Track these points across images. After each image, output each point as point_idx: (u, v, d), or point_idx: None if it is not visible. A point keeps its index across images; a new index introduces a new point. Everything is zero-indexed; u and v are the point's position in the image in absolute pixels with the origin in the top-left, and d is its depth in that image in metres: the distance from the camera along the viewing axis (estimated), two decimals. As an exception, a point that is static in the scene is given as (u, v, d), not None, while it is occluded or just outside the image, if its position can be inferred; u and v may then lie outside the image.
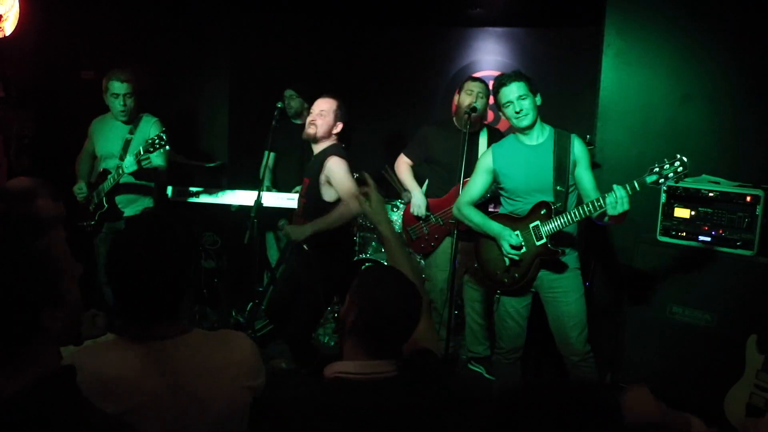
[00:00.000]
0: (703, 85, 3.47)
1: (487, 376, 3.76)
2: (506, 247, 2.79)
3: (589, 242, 3.66)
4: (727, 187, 3.13)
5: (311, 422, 1.36)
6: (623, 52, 3.58)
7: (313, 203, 3.16)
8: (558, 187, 2.77)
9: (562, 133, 2.83)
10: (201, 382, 1.40)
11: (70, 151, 3.80)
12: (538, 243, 2.77)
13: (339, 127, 3.19)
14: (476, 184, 2.97)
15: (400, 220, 4.56)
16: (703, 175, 3.32)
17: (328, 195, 3.12)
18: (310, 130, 3.17)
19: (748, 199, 3.03)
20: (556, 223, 2.72)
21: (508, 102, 2.77)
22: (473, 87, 3.53)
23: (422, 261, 3.88)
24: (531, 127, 2.80)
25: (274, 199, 3.98)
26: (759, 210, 3.00)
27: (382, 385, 1.43)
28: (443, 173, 3.59)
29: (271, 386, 1.57)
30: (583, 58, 4.90)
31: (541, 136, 2.85)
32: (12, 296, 0.93)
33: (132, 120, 3.63)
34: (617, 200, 2.49)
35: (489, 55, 5.64)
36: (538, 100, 2.79)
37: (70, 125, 4.15)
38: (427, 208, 3.63)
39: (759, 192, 3.01)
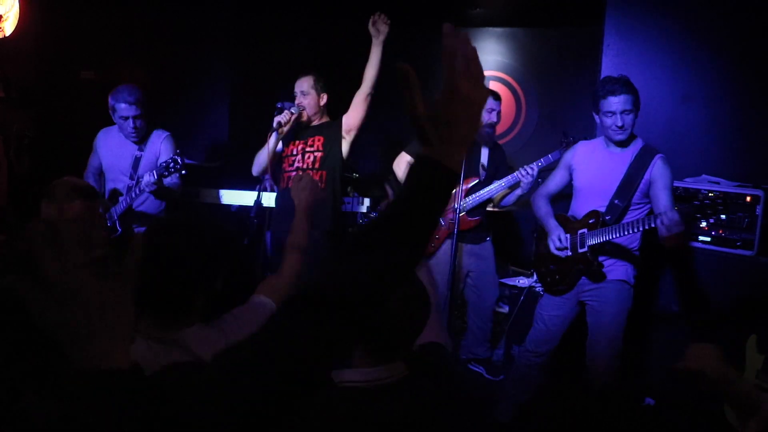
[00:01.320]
0: (703, 85, 3.47)
1: (487, 376, 3.76)
2: (551, 247, 2.81)
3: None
4: (727, 187, 3.13)
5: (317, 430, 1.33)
6: (623, 52, 3.58)
7: (332, 157, 3.36)
8: (616, 201, 2.70)
9: (648, 149, 2.72)
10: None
11: (70, 152, 3.79)
12: (580, 251, 2.75)
13: (324, 98, 3.43)
14: (554, 179, 2.99)
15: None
16: (703, 175, 3.32)
17: (346, 148, 3.38)
18: (303, 117, 3.36)
19: (748, 199, 3.02)
20: (600, 236, 2.68)
21: (610, 112, 2.64)
22: (493, 106, 3.51)
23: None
24: (626, 142, 2.73)
25: (274, 199, 3.98)
26: (759, 210, 3.00)
27: (387, 390, 1.41)
28: None
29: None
30: (583, 58, 4.90)
31: (629, 147, 2.76)
32: None
33: (142, 137, 3.42)
34: (670, 222, 2.40)
35: (489, 55, 5.63)
36: (636, 114, 2.68)
37: (70, 125, 4.14)
38: None
39: (759, 192, 3.01)
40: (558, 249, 2.79)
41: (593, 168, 2.81)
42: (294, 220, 1.93)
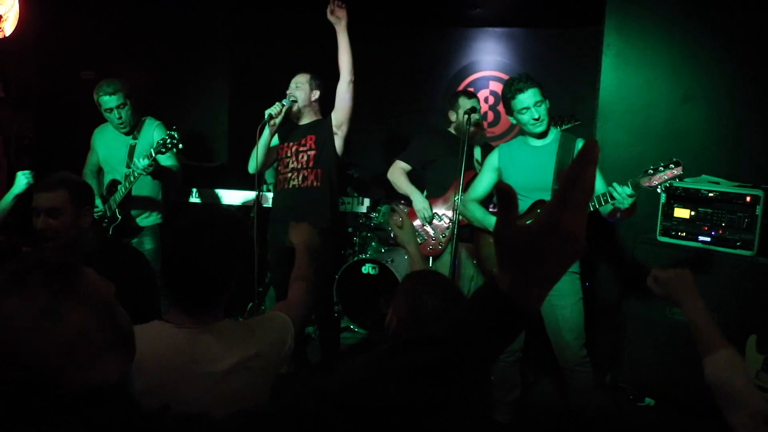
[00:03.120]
0: (703, 85, 3.47)
1: (487, 376, 3.76)
2: None
3: (589, 242, 3.66)
4: (727, 187, 3.13)
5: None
6: (623, 52, 3.58)
7: (326, 155, 3.36)
8: (557, 187, 2.74)
9: (568, 136, 2.86)
10: (215, 368, 1.45)
11: (70, 152, 3.79)
12: None
13: (317, 94, 3.45)
14: (482, 182, 3.04)
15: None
16: (703, 175, 3.32)
17: (339, 144, 3.37)
18: (293, 107, 3.35)
19: (748, 199, 3.03)
20: None
21: (524, 108, 2.76)
22: (470, 105, 3.56)
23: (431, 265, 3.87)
24: (545, 132, 2.84)
25: (271, 200, 3.98)
26: (759, 210, 3.00)
27: None
28: (442, 171, 3.60)
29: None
30: (583, 58, 4.90)
31: (548, 138, 2.88)
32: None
33: (134, 127, 3.48)
34: (623, 196, 2.52)
35: (489, 55, 5.63)
36: (547, 104, 2.82)
37: (70, 125, 4.14)
38: (431, 208, 3.63)
39: (759, 192, 3.01)
40: None
41: (523, 165, 2.87)
42: (296, 257, 2.06)
